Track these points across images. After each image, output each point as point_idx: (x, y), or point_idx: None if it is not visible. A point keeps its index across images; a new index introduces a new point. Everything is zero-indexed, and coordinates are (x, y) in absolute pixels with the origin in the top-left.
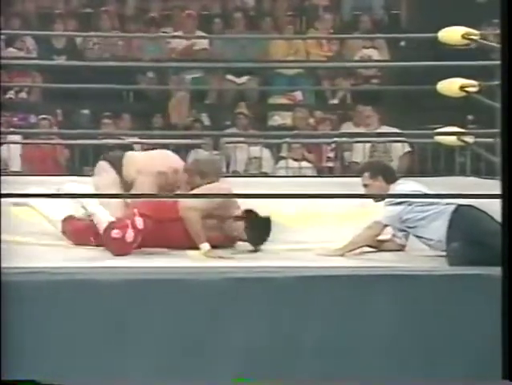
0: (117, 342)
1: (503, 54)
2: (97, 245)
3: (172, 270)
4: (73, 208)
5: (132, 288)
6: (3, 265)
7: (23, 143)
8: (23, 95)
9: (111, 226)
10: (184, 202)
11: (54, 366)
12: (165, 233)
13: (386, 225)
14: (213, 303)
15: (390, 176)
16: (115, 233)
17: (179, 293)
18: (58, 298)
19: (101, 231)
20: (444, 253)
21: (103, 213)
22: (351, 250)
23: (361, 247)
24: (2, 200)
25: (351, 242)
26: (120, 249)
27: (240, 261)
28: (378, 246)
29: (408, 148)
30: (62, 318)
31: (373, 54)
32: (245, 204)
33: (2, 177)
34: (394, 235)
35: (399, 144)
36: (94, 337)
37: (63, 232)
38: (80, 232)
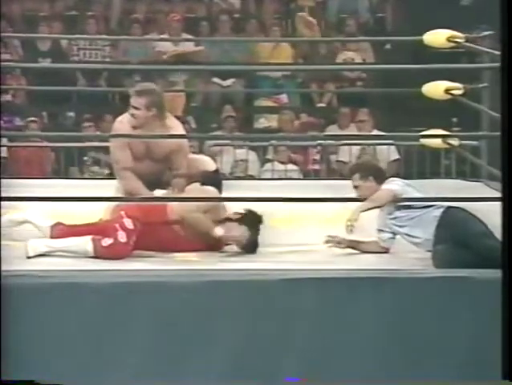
0: (107, 342)
1: (503, 56)
2: None
3: (159, 273)
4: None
5: (120, 290)
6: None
7: (10, 146)
8: (8, 97)
9: (95, 238)
10: (184, 206)
11: (50, 366)
12: (153, 235)
13: (394, 198)
14: (198, 305)
15: (380, 176)
16: (106, 241)
17: (166, 296)
18: (49, 300)
19: (90, 252)
20: (430, 252)
21: (80, 240)
22: (362, 211)
23: (373, 208)
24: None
25: (364, 205)
26: (116, 252)
27: (228, 263)
28: (362, 248)
29: (396, 156)
30: (54, 319)
31: (357, 57)
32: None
33: None
34: (379, 237)
35: (385, 148)
36: (85, 338)
37: (51, 238)
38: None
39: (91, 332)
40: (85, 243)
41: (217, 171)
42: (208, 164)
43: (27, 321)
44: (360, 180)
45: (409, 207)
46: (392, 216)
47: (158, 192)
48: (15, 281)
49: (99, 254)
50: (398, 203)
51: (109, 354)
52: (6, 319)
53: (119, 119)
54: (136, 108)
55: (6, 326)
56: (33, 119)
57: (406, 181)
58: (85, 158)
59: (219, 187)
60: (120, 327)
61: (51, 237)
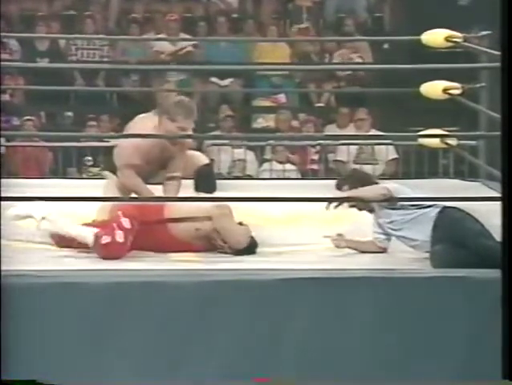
0: (103, 343)
1: (503, 56)
2: (79, 248)
3: (158, 273)
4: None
5: (120, 290)
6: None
7: (7, 146)
8: (6, 97)
9: (97, 234)
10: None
11: (50, 366)
12: (149, 235)
13: (388, 196)
14: (197, 305)
15: (369, 183)
16: (104, 239)
17: (165, 296)
18: (48, 300)
19: (90, 245)
20: (428, 254)
21: (84, 230)
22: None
23: (364, 197)
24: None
25: (358, 191)
26: (113, 252)
27: (227, 263)
28: (360, 248)
29: (395, 155)
30: (54, 319)
31: (354, 55)
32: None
33: None
34: (375, 238)
35: (383, 148)
36: (85, 337)
37: (51, 235)
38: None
39: (91, 332)
40: (87, 236)
41: (208, 164)
42: (200, 158)
43: (27, 320)
44: (350, 191)
45: (406, 208)
46: (388, 220)
47: (158, 192)
48: (15, 280)
49: (96, 250)
50: (394, 204)
51: (109, 353)
52: (6, 319)
53: (131, 125)
54: (184, 129)
55: (6, 325)
56: (29, 117)
57: (402, 182)
58: (84, 158)
59: (212, 180)
60: (120, 327)
61: (51, 235)
